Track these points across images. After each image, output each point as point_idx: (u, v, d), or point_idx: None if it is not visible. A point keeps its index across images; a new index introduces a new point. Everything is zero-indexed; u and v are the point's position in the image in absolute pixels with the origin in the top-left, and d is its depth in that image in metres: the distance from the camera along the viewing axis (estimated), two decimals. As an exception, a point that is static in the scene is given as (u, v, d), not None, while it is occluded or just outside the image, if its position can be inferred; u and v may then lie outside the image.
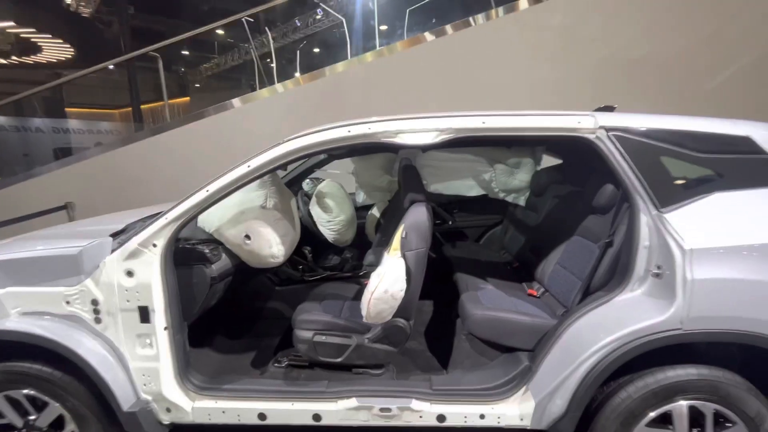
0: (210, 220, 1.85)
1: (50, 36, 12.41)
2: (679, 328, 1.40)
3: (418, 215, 1.77)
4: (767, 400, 1.47)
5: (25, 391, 1.63)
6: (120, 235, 1.73)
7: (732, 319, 1.39)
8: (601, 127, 1.57)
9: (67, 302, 1.63)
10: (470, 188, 2.91)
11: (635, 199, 1.52)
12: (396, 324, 1.76)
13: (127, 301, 1.62)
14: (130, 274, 1.61)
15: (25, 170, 4.89)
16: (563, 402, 1.53)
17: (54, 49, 13.26)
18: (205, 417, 1.72)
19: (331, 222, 2.62)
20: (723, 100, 3.61)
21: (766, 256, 1.40)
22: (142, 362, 1.66)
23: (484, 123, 1.61)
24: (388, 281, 1.60)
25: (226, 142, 4.38)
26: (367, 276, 2.45)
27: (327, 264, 2.55)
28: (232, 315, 2.31)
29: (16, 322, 1.60)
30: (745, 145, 1.55)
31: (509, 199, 2.90)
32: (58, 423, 1.67)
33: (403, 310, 1.73)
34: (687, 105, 3.48)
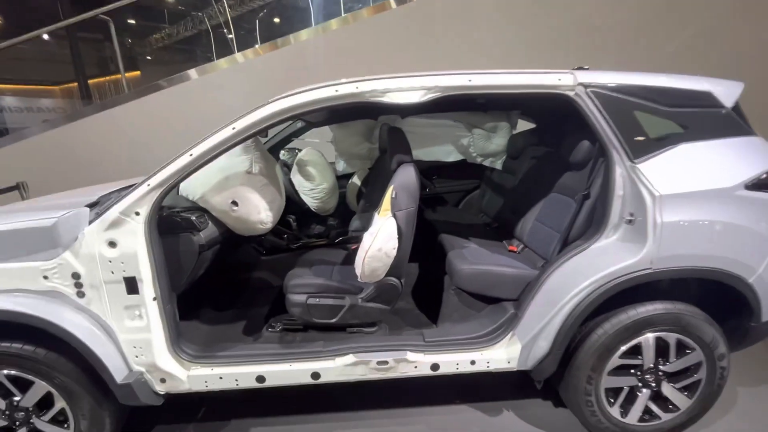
0: (193, 188, 1.79)
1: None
2: (649, 268, 1.54)
3: (406, 175, 1.80)
4: (720, 328, 1.66)
5: (5, 372, 1.56)
6: (97, 206, 1.64)
7: (693, 257, 1.55)
8: (579, 84, 1.64)
9: (45, 277, 1.55)
10: (449, 154, 2.97)
11: (611, 152, 1.62)
12: (388, 282, 1.81)
13: (112, 272, 1.56)
14: (112, 244, 1.55)
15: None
16: (547, 343, 1.66)
17: (-23, 16, 11.76)
18: (202, 384, 1.73)
19: (314, 190, 2.59)
20: (680, 64, 3.82)
21: (722, 199, 1.55)
22: (133, 334, 1.62)
23: (470, 81, 1.63)
24: (381, 239, 1.64)
25: (185, 115, 4.16)
26: (352, 242, 2.48)
27: (311, 232, 2.55)
28: (218, 286, 2.28)
29: (-9, 301, 1.51)
30: (707, 99, 1.68)
31: (486, 163, 2.99)
32: (46, 401, 1.62)
33: (394, 269, 1.78)
34: (646, 68, 3.65)
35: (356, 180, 3.01)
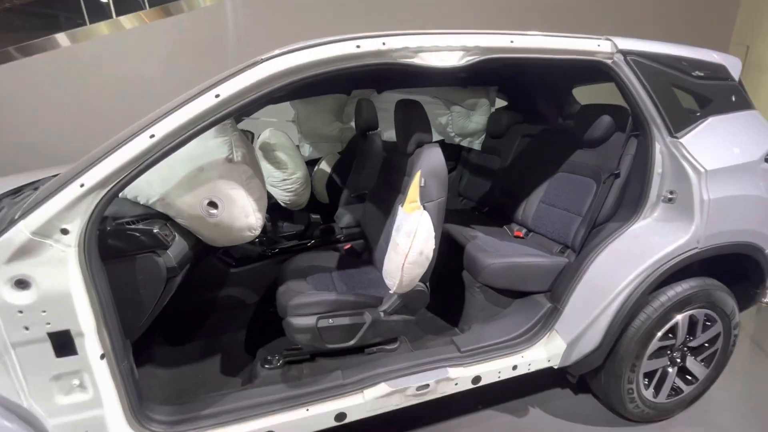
0: (147, 186, 1.22)
1: None
2: (695, 247, 1.48)
3: (434, 158, 1.48)
4: (734, 298, 1.71)
5: None
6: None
7: (732, 233, 1.53)
8: (619, 51, 1.48)
9: None
10: (427, 134, 2.69)
11: (650, 126, 1.51)
12: (416, 289, 1.50)
13: (26, 329, 0.98)
14: (22, 284, 0.96)
15: None
16: (597, 337, 1.53)
17: None
18: (186, 460, 1.24)
19: (287, 181, 2.10)
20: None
21: (751, 173, 1.55)
22: (73, 414, 1.07)
23: (512, 42, 1.36)
24: (422, 240, 1.31)
25: (56, 89, 3.25)
26: (344, 241, 2.08)
27: (287, 233, 2.07)
28: (178, 313, 1.72)
29: None
30: (723, 72, 1.66)
31: (465, 143, 2.79)
32: None
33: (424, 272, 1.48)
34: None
35: (325, 166, 2.57)
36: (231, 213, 1.28)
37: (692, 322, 1.64)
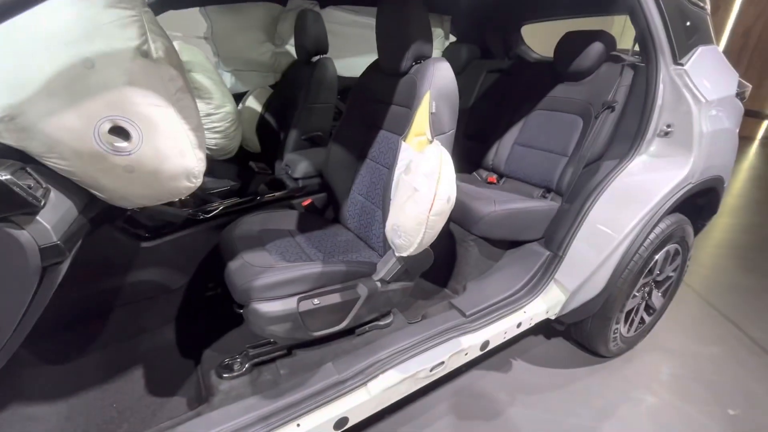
0: None
1: None
2: (690, 183, 1.45)
3: (445, 77, 1.13)
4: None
5: None
6: None
7: (715, 167, 1.54)
8: (635, -40, 1.28)
9: None
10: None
11: (656, 53, 1.38)
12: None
13: None
14: None
15: None
16: (600, 284, 1.44)
17: None
18: None
19: (212, 116, 1.50)
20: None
21: (730, 106, 1.56)
22: None
23: None
24: (447, 183, 0.98)
25: None
26: (301, 195, 1.62)
27: (216, 189, 1.50)
28: (59, 315, 1.11)
29: None
30: (703, 0, 1.61)
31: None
32: None
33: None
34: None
35: (253, 103, 1.98)
36: (156, 147, 0.75)
37: (665, 258, 1.68)
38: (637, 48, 1.44)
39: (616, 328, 1.63)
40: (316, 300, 1.06)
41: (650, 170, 1.45)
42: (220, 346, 1.18)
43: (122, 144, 0.72)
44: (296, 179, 1.55)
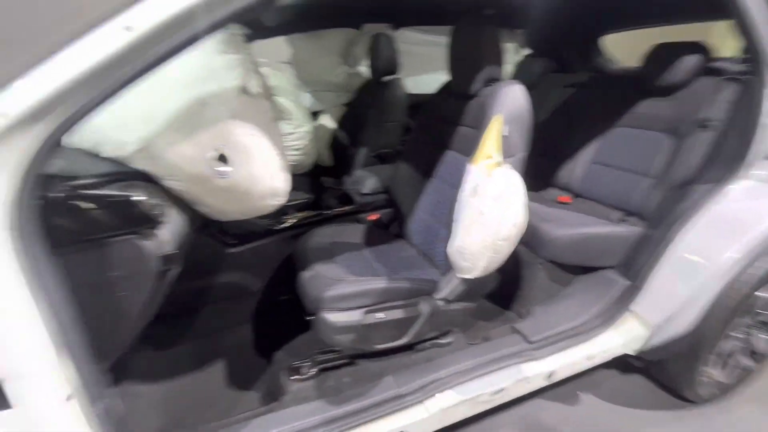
0: (118, 128, 0.77)
1: None
2: (803, 212, 1.26)
3: (517, 99, 1.12)
4: None
5: None
6: None
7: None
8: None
9: None
10: (446, 84, 2.30)
11: (764, 64, 1.23)
12: (484, 269, 1.18)
13: None
14: None
15: None
16: (690, 321, 1.30)
17: None
18: None
19: (293, 135, 1.66)
20: None
21: None
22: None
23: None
24: (516, 207, 0.97)
25: None
26: (369, 210, 1.70)
27: (293, 201, 1.64)
28: (166, 307, 1.29)
29: None
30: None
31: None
32: None
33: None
34: None
35: (327, 121, 2.12)
36: (250, 171, 0.86)
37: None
38: (740, 59, 1.30)
39: (705, 370, 1.45)
40: (380, 314, 1.11)
41: (755, 197, 1.29)
42: (290, 349, 1.28)
43: (224, 168, 0.84)
44: (364, 194, 1.63)
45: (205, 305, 1.45)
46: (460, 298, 1.20)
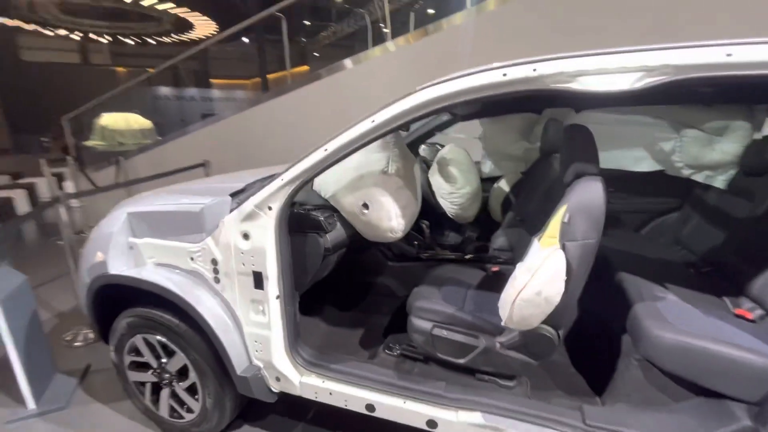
0: (326, 185, 1.65)
1: (199, 13, 14.01)
2: None
3: (589, 193, 1.29)
4: None
5: (158, 338, 1.71)
6: (239, 195, 1.64)
7: None
8: None
9: (191, 258, 1.62)
10: (639, 161, 2.23)
11: None
12: (541, 332, 1.35)
13: (243, 264, 1.54)
14: (246, 236, 1.51)
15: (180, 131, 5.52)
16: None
17: (202, 26, 15.08)
18: (312, 394, 1.61)
19: (454, 194, 2.25)
20: None
21: None
22: (255, 328, 1.59)
23: (730, 56, 1.01)
24: (543, 280, 1.19)
25: (340, 101, 4.30)
26: (492, 261, 2.05)
27: (445, 242, 2.22)
28: (342, 286, 2.17)
29: (151, 273, 1.65)
30: None
31: (699, 177, 2.14)
32: (184, 372, 1.73)
33: (554, 317, 1.32)
34: None
35: (504, 185, 2.53)
36: (378, 215, 1.55)
37: None
38: None
39: None
40: (445, 331, 1.52)
41: None
42: (399, 337, 1.84)
43: (365, 211, 1.56)
44: (494, 249, 1.97)
45: (369, 294, 2.23)
46: (516, 348, 1.42)
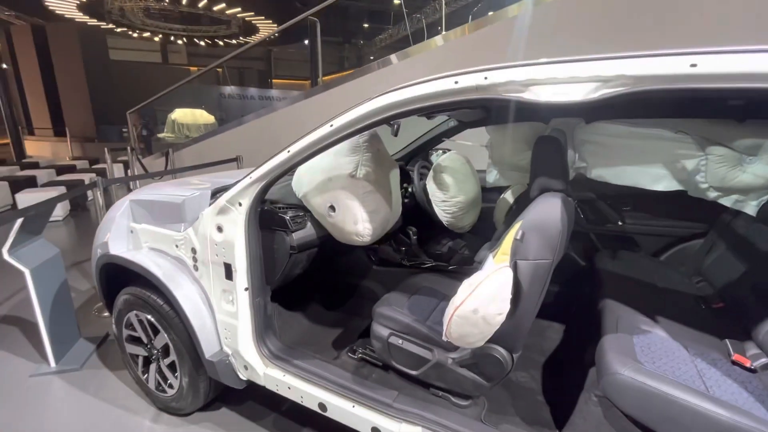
0: (299, 185, 1.70)
1: (263, 17, 14.90)
2: None
3: (545, 211, 1.21)
4: None
5: (147, 317, 1.87)
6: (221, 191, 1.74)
7: None
8: None
9: (176, 245, 1.75)
10: (657, 179, 2.01)
11: None
12: (491, 353, 1.29)
13: (216, 255, 1.63)
14: (220, 229, 1.61)
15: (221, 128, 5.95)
16: None
17: (265, 29, 16.02)
18: (273, 386, 1.67)
19: (446, 202, 2.19)
20: None
21: None
22: (225, 317, 1.68)
23: (694, 67, 0.90)
24: (481, 298, 1.14)
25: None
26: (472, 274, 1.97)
27: (434, 251, 2.17)
28: (328, 286, 2.21)
29: (141, 256, 1.81)
30: None
31: (727, 202, 1.88)
32: (167, 350, 1.87)
33: (505, 338, 1.25)
34: None
35: (509, 196, 2.41)
36: (344, 217, 1.56)
37: None
38: None
39: None
40: (400, 341, 1.49)
41: None
42: (366, 341, 1.84)
43: (332, 213, 1.58)
44: (477, 263, 1.88)
45: (353, 296, 2.24)
46: (468, 366, 1.36)
